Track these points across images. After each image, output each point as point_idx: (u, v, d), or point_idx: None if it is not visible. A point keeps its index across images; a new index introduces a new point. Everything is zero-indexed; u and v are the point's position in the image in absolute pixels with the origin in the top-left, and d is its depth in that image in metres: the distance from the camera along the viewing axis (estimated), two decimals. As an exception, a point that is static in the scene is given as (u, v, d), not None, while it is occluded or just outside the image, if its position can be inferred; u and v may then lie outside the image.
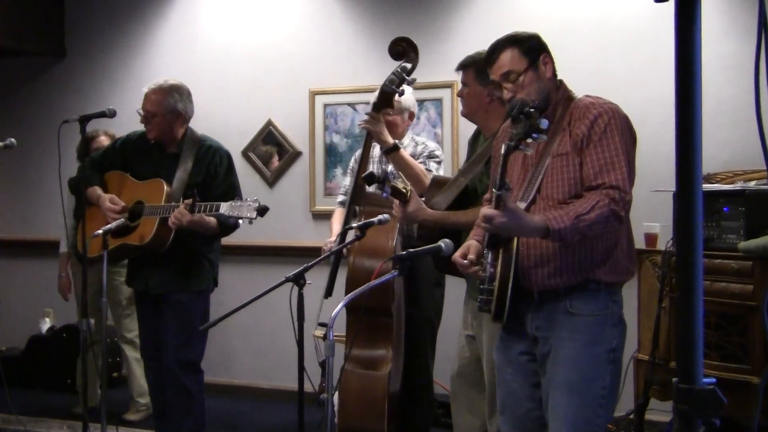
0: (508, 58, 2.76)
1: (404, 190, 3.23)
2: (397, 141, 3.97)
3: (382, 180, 3.19)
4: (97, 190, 4.13)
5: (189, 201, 3.75)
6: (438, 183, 3.61)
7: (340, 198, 4.56)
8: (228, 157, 4.17)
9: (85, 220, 3.97)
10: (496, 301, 2.65)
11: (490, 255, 2.67)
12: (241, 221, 3.74)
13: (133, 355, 5.24)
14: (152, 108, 4.02)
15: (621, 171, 2.55)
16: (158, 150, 4.12)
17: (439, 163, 4.23)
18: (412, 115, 4.31)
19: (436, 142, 5.10)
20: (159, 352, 4.11)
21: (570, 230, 2.49)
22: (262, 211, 3.64)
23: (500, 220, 2.46)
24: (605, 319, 2.66)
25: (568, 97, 2.77)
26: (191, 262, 4.08)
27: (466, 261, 2.77)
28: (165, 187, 3.97)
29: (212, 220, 3.91)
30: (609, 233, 2.62)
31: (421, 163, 4.02)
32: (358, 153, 4.55)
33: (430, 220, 3.31)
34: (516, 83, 2.74)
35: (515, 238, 2.65)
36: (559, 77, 2.84)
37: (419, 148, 4.24)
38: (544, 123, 2.42)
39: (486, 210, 2.51)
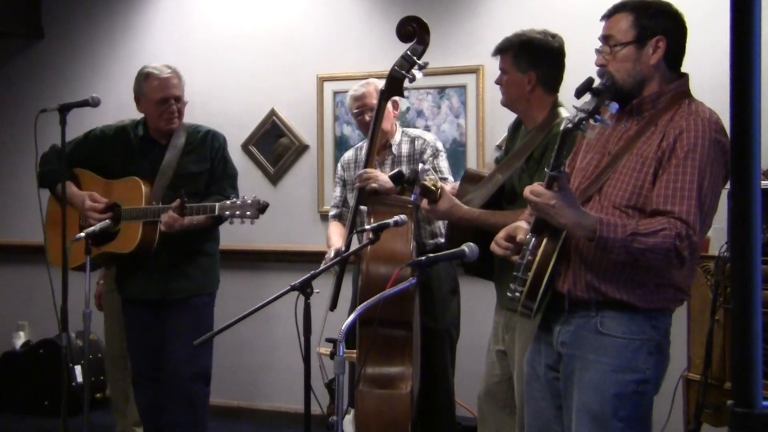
0: (618, 22, 2.64)
1: (434, 188, 3.22)
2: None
3: (412, 180, 3.18)
4: (71, 187, 4.09)
5: (177, 203, 3.78)
6: (471, 178, 3.55)
7: (333, 211, 4.55)
8: (225, 141, 4.27)
9: (48, 221, 3.96)
10: (525, 294, 2.60)
11: (532, 241, 2.60)
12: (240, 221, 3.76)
13: None
14: (181, 93, 4.10)
15: (693, 206, 2.43)
16: (149, 144, 4.14)
17: (445, 157, 4.30)
18: (396, 104, 4.34)
19: (460, 133, 5.10)
20: (156, 369, 4.10)
21: (619, 245, 2.43)
22: (262, 208, 3.64)
23: (548, 200, 2.43)
24: (641, 344, 2.60)
25: (679, 93, 2.61)
26: (199, 261, 4.14)
27: (506, 244, 2.72)
28: (143, 186, 4.00)
29: (202, 217, 3.93)
30: (665, 269, 2.55)
31: (431, 167, 4.00)
32: (345, 157, 4.56)
33: (467, 218, 3.27)
34: (612, 52, 2.63)
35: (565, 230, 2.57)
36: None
37: (418, 144, 4.25)
38: (613, 106, 2.39)
39: (537, 186, 2.47)
